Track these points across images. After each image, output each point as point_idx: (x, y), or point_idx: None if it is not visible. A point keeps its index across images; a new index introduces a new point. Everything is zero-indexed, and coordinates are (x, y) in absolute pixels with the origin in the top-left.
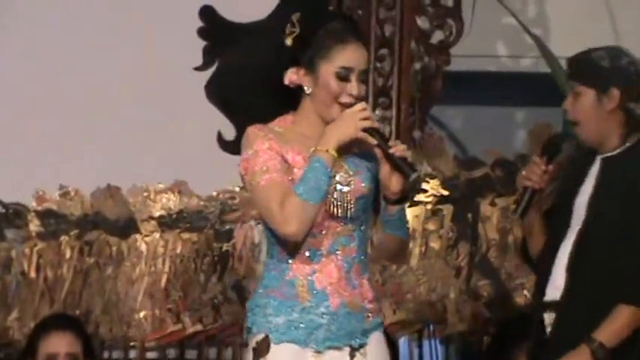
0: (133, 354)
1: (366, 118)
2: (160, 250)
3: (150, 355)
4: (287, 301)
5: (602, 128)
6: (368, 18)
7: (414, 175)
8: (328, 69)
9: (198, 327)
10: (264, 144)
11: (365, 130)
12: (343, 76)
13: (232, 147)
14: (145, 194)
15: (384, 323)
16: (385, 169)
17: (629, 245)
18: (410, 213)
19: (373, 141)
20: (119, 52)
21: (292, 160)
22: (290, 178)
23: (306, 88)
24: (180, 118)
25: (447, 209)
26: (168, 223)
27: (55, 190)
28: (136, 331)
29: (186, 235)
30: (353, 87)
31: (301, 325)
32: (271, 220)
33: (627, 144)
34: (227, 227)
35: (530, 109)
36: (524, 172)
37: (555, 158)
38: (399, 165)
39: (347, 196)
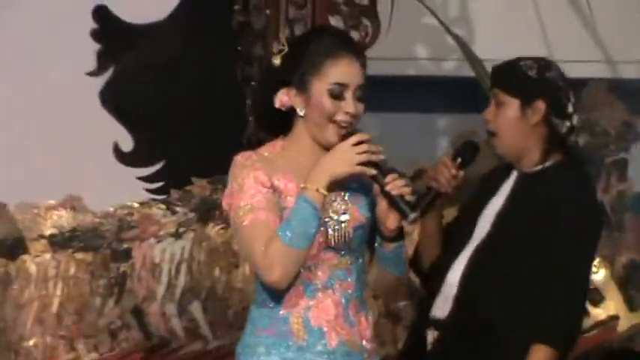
0: None
1: (363, 152)
2: (52, 271)
3: None
4: (280, 340)
5: (522, 142)
6: (277, 17)
7: (412, 216)
8: (320, 87)
9: (94, 355)
10: (250, 176)
11: (361, 163)
12: (337, 94)
13: (130, 159)
14: (35, 211)
15: None
16: (382, 204)
17: (544, 275)
18: None
19: (371, 171)
20: (6, 56)
21: (285, 188)
22: (283, 207)
23: (298, 109)
24: (73, 126)
25: None
26: (60, 242)
27: None
28: None
29: (80, 255)
30: (349, 105)
31: None
32: (253, 264)
33: (547, 163)
34: (125, 246)
35: (453, 116)
36: (430, 172)
37: (468, 165)
38: (397, 203)
39: (344, 226)
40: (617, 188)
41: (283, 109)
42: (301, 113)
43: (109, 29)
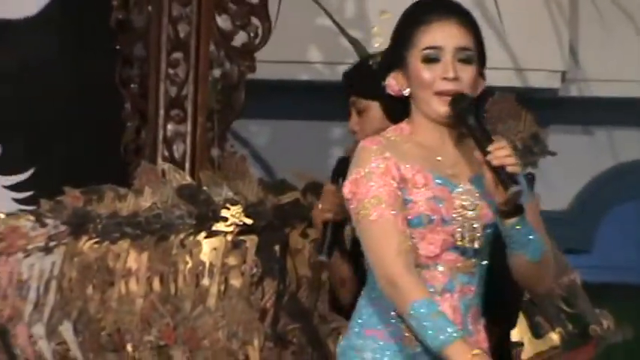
0: None
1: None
2: None
3: None
4: (390, 344)
5: None
6: (159, 15)
7: (513, 189)
8: (415, 55)
9: None
10: (380, 165)
11: (463, 117)
12: (431, 58)
13: None
14: None
15: None
16: (488, 175)
17: None
18: (207, 245)
19: (475, 134)
20: None
21: (412, 178)
22: (409, 200)
23: (403, 90)
24: None
25: (251, 240)
26: None
27: None
28: None
29: None
30: (446, 68)
31: None
32: (379, 265)
33: None
34: None
35: (348, 125)
36: (319, 205)
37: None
38: (497, 174)
39: (474, 223)
40: None
41: (393, 93)
42: (406, 93)
43: None
